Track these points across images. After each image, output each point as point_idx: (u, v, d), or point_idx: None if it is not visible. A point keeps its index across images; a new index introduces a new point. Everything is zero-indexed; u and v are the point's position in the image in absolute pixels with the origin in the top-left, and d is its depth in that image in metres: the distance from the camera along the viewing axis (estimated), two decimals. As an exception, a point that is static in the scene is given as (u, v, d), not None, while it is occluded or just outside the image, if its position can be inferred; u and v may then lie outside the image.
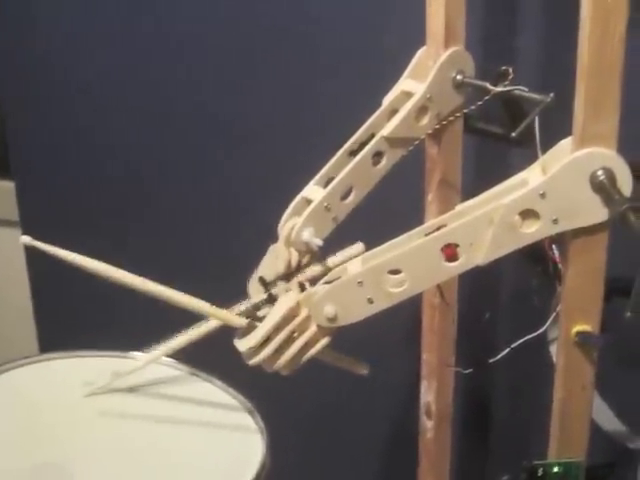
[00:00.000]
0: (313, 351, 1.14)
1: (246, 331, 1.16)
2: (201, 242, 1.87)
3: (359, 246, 1.25)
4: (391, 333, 1.77)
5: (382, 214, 1.56)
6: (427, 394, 1.64)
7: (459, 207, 1.11)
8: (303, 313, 1.13)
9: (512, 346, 1.37)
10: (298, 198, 1.33)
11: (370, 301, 1.10)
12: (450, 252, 1.07)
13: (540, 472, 1.19)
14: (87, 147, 2.07)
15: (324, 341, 1.14)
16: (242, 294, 1.26)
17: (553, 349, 1.39)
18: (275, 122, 1.85)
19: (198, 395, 1.37)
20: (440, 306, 1.54)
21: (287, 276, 1.26)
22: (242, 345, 1.15)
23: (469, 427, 1.96)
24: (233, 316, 1.17)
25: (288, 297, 1.15)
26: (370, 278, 1.09)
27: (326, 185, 1.33)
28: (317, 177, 1.34)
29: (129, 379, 1.37)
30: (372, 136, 1.35)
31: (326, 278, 1.16)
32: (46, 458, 1.21)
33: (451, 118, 1.37)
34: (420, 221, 1.52)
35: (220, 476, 1.20)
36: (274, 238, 1.32)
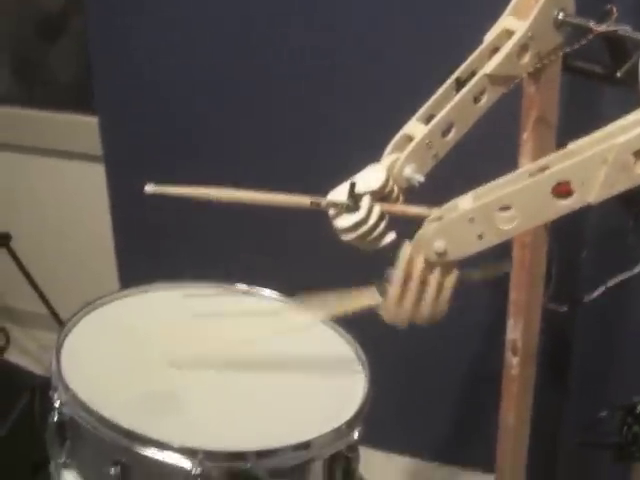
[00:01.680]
0: (448, 290, 1.15)
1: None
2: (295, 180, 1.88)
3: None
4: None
5: (475, 151, 1.56)
6: (514, 331, 1.66)
7: (571, 146, 1.11)
8: (420, 259, 1.14)
9: (608, 284, 1.38)
10: (400, 134, 1.34)
11: (480, 237, 1.11)
12: (563, 189, 1.07)
13: (639, 409, 1.21)
14: (171, 82, 2.09)
15: (453, 277, 1.15)
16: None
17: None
18: (375, 57, 1.86)
19: (309, 335, 1.39)
20: (531, 244, 1.56)
21: (376, 194, 1.28)
22: (384, 314, 1.17)
23: (553, 365, 1.98)
24: (365, 297, 1.18)
25: (403, 250, 1.16)
26: (481, 215, 1.10)
27: (427, 122, 1.34)
28: (418, 114, 1.35)
29: (236, 312, 1.40)
30: (473, 74, 1.35)
31: (434, 215, 1.17)
32: (156, 386, 1.25)
33: (552, 57, 1.36)
34: (514, 159, 1.53)
35: (325, 409, 1.24)
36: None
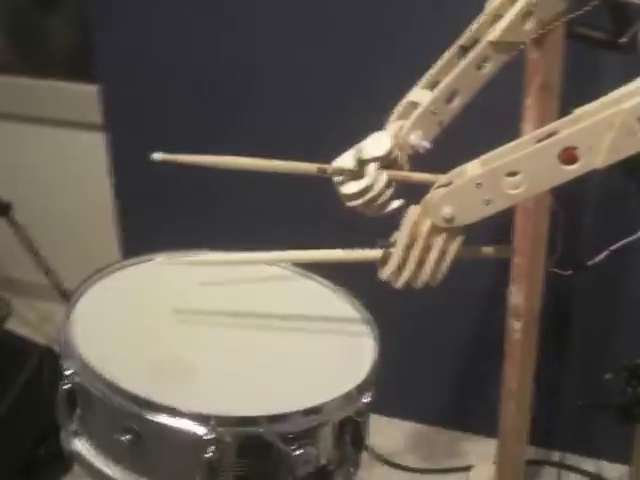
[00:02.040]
0: (450, 255, 1.17)
1: (384, 261, 1.19)
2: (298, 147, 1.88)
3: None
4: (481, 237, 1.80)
5: (479, 117, 1.56)
6: (516, 296, 1.68)
7: (577, 111, 1.12)
8: (427, 224, 1.15)
9: (611, 248, 1.39)
10: (405, 101, 1.35)
11: (487, 202, 1.12)
12: (570, 155, 1.08)
13: (642, 370, 1.23)
14: (173, 48, 2.08)
15: (457, 243, 1.16)
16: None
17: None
18: (380, 26, 1.87)
19: (312, 296, 1.41)
20: (534, 210, 1.57)
21: (382, 161, 1.29)
22: (384, 273, 1.18)
23: (555, 329, 2.00)
24: (367, 252, 1.19)
25: (409, 214, 1.17)
26: (489, 180, 1.11)
27: (432, 89, 1.34)
28: (423, 81, 1.35)
29: (246, 278, 1.41)
30: (476, 41, 1.35)
31: (440, 182, 1.18)
32: (167, 353, 1.25)
33: (557, 23, 1.37)
34: (516, 125, 1.55)
35: (335, 373, 1.24)
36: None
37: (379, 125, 1.35)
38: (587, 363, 2.04)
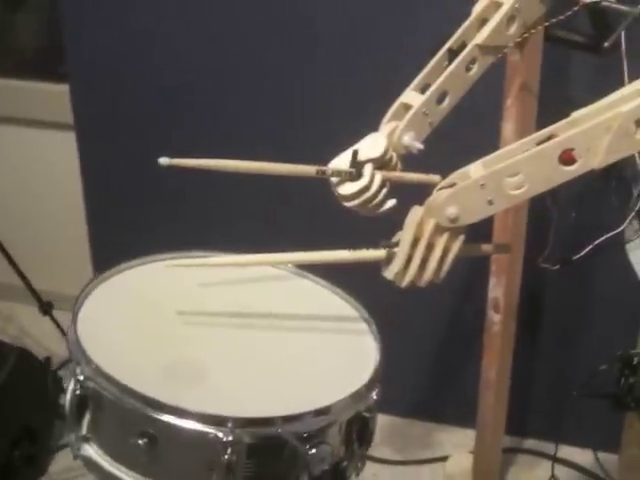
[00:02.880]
0: (453, 253, 1.20)
1: (388, 260, 1.22)
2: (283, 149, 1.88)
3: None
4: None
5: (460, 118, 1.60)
6: (495, 289, 1.73)
7: (574, 114, 1.17)
8: (430, 223, 1.19)
9: (595, 242, 1.45)
10: (397, 103, 1.38)
11: (490, 203, 1.17)
12: (568, 156, 1.13)
13: (636, 361, 1.28)
14: (143, 51, 2.08)
15: (459, 241, 1.20)
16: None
17: (629, 247, 1.47)
18: (371, 32, 1.92)
19: (311, 295, 1.44)
20: (513, 206, 1.61)
21: (377, 162, 1.31)
22: (389, 273, 1.21)
23: (534, 324, 2.06)
24: (371, 252, 1.22)
25: (412, 214, 1.20)
26: (492, 181, 1.15)
27: (422, 91, 1.38)
28: (414, 83, 1.39)
29: (244, 279, 1.43)
30: (463, 44, 1.39)
31: (443, 183, 1.21)
32: (176, 356, 1.27)
33: (539, 27, 1.41)
34: (496, 125, 1.59)
35: (342, 371, 1.28)
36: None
37: (372, 127, 1.38)
38: (560, 357, 2.10)
